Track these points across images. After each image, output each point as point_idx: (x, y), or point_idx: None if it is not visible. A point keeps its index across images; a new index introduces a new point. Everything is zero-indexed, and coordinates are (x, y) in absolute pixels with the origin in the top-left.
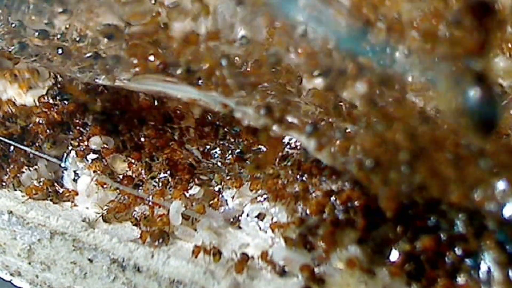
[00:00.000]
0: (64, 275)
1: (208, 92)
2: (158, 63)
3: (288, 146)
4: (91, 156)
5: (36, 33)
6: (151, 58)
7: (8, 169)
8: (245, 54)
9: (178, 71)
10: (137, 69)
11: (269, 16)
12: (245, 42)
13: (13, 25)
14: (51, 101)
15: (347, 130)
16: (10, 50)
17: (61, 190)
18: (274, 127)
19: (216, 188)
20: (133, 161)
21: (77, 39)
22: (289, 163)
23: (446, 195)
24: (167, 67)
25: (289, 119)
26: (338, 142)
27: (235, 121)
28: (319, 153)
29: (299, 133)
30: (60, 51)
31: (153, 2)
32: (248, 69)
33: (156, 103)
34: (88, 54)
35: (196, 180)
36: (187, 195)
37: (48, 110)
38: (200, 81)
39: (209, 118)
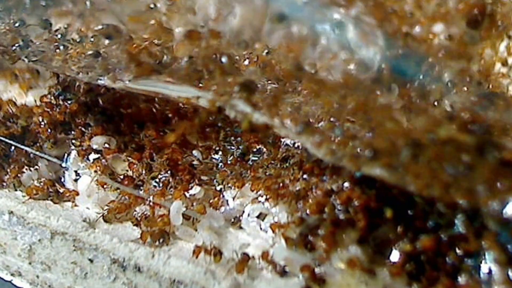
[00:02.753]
0: (65, 275)
1: (208, 91)
2: (158, 63)
3: (289, 147)
4: (92, 156)
5: (38, 33)
6: (151, 58)
7: (8, 169)
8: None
9: (178, 72)
10: (137, 69)
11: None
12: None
13: (15, 24)
14: (53, 101)
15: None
16: (11, 49)
17: (61, 190)
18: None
19: (218, 188)
20: (133, 161)
21: (78, 40)
22: (290, 164)
23: (447, 194)
24: (167, 67)
25: (287, 120)
26: (337, 140)
27: (237, 122)
28: (318, 151)
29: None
30: (61, 50)
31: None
32: (249, 69)
33: (157, 103)
34: (89, 52)
35: (196, 180)
36: (188, 195)
37: (51, 110)
38: (200, 80)
39: (210, 118)
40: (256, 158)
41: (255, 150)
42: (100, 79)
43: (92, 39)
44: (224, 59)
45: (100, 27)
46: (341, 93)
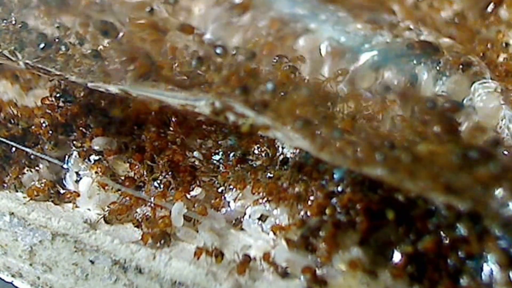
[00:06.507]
0: (66, 277)
1: (208, 95)
2: (155, 66)
3: (289, 149)
4: (93, 157)
5: (38, 34)
6: (150, 62)
7: (9, 171)
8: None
9: (177, 76)
10: (135, 74)
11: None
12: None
13: (16, 25)
14: (54, 102)
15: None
16: (12, 50)
17: (62, 192)
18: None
19: (219, 190)
20: (134, 162)
21: (77, 42)
22: (290, 166)
23: (448, 197)
24: (165, 70)
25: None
26: (337, 143)
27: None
28: (321, 153)
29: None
30: (60, 52)
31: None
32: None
33: (158, 106)
34: (89, 51)
35: (198, 181)
36: (189, 196)
37: (52, 111)
38: (200, 85)
39: (210, 120)
40: (257, 160)
41: (256, 152)
42: (99, 83)
43: (91, 40)
44: (223, 61)
45: (98, 22)
46: None
